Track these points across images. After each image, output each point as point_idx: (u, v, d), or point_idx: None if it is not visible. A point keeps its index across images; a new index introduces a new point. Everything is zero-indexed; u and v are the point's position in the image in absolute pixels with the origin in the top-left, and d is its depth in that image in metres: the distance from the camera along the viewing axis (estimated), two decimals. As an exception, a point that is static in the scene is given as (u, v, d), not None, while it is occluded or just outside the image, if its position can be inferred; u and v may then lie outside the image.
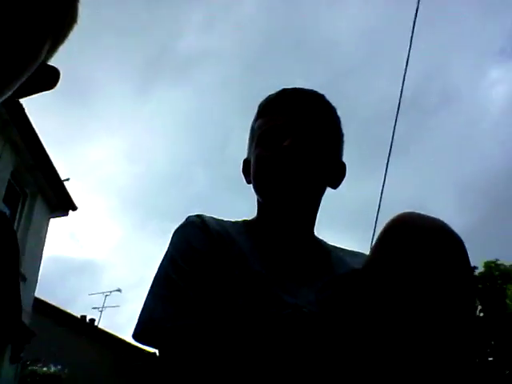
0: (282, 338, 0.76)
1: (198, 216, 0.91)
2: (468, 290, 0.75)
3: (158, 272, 0.85)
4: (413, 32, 4.99)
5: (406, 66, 5.12)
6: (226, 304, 0.79)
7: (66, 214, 11.06)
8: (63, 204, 10.66)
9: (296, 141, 0.87)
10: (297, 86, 0.97)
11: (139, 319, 0.80)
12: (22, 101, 8.23)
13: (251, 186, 0.95)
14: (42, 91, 0.71)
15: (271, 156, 0.88)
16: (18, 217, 9.44)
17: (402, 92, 5.19)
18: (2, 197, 8.35)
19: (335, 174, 0.96)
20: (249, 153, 0.99)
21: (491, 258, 13.06)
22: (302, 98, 0.93)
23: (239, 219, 0.98)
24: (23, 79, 0.63)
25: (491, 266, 12.99)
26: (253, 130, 0.98)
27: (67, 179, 10.41)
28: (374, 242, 0.82)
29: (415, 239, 0.74)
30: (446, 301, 0.72)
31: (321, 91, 0.98)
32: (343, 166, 0.99)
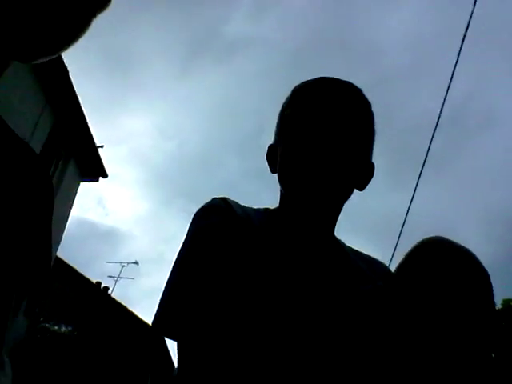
0: (292, 342, 0.76)
1: (222, 199, 0.89)
2: (489, 321, 0.76)
3: (177, 257, 0.84)
4: (461, 48, 4.86)
5: (450, 82, 4.99)
6: (240, 298, 0.78)
7: (97, 180, 11.28)
8: (95, 170, 10.86)
9: (331, 137, 0.84)
10: (334, 76, 0.93)
11: (156, 312, 0.80)
12: (67, 63, 8.39)
13: (275, 175, 0.91)
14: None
15: (303, 150, 0.85)
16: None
17: (442, 108, 5.08)
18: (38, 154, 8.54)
19: (364, 176, 0.92)
20: (277, 139, 0.95)
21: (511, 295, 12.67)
22: (341, 91, 0.89)
23: (261, 207, 0.96)
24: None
25: (510, 305, 12.60)
26: (284, 116, 0.93)
27: (101, 146, 10.59)
28: (401, 261, 0.82)
29: (443, 264, 0.75)
30: (466, 329, 0.73)
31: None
32: (372, 168, 0.95)
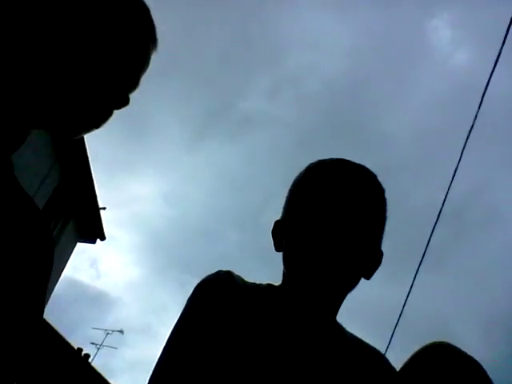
0: None
1: (227, 273, 0.86)
2: None
3: (171, 332, 0.81)
4: (465, 145, 5.00)
5: (453, 177, 5.09)
6: (227, 380, 0.75)
7: (94, 242, 11.20)
8: (94, 231, 10.82)
9: (341, 221, 0.81)
10: (349, 159, 0.92)
11: None
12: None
13: (271, 253, 0.89)
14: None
15: (311, 233, 0.82)
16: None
17: (444, 202, 5.13)
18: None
19: (372, 264, 0.89)
20: (284, 216, 0.92)
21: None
22: (355, 175, 0.88)
23: (264, 282, 0.92)
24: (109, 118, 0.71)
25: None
26: (295, 192, 0.91)
27: (104, 208, 10.63)
28: (406, 362, 0.81)
29: (449, 370, 0.74)
30: None
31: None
32: (380, 255, 0.91)
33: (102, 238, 11.08)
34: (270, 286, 0.91)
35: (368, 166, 0.91)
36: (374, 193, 0.88)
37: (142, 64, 0.75)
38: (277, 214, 0.96)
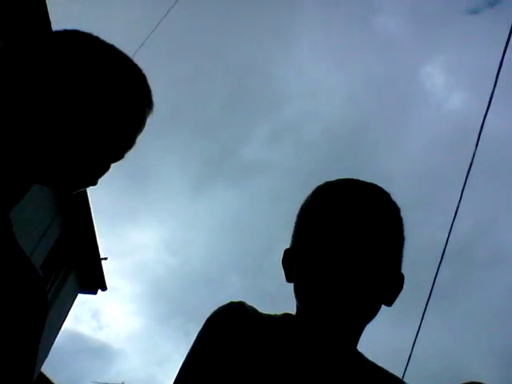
0: None
1: (239, 304, 0.83)
2: None
3: (182, 365, 0.78)
4: (465, 183, 5.02)
5: (455, 215, 5.09)
6: None
7: (95, 293, 11.04)
8: (95, 282, 10.69)
9: (355, 245, 0.75)
10: (359, 178, 0.86)
11: None
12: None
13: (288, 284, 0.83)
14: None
15: (323, 260, 0.76)
16: (48, 287, 9.51)
17: (447, 241, 5.10)
18: (41, 263, 8.50)
19: (392, 289, 0.82)
20: (294, 243, 0.86)
21: None
22: (366, 194, 0.82)
23: (279, 313, 0.87)
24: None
25: None
26: (303, 218, 0.85)
27: (105, 258, 10.55)
28: None
29: None
30: None
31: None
32: (401, 279, 0.84)
33: (104, 288, 10.94)
34: (286, 315, 0.85)
35: None
36: (388, 212, 0.82)
37: (138, 126, 0.79)
38: (280, 258, 0.94)
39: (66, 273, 9.97)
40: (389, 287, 0.81)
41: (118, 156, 0.78)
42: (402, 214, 0.85)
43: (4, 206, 0.70)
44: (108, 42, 0.77)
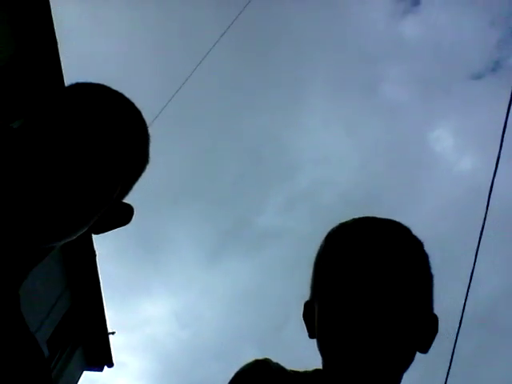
0: None
1: (264, 362, 0.78)
2: None
3: None
4: (478, 249, 4.94)
5: (470, 280, 4.96)
6: None
7: (101, 370, 10.67)
8: (101, 358, 10.37)
9: (377, 290, 0.69)
10: (375, 216, 0.80)
11: None
12: (96, 246, 8.70)
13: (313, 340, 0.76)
14: (117, 227, 0.78)
15: (346, 309, 0.69)
16: (53, 363, 9.22)
17: (463, 310, 4.93)
18: (47, 338, 8.31)
19: (426, 333, 0.74)
20: (312, 295, 0.80)
21: None
22: (383, 232, 0.75)
23: (309, 369, 0.81)
24: (97, 217, 0.69)
25: None
26: (319, 266, 0.79)
27: (113, 332, 10.30)
28: None
29: None
30: None
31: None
32: (435, 321, 0.76)
33: (110, 364, 10.58)
34: (316, 371, 0.79)
35: None
36: (409, 248, 0.75)
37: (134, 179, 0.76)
38: (297, 329, 0.89)
39: (72, 349, 9.70)
40: (421, 331, 0.73)
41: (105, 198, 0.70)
42: (426, 249, 0.79)
43: (14, 281, 0.68)
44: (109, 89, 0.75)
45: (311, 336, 0.79)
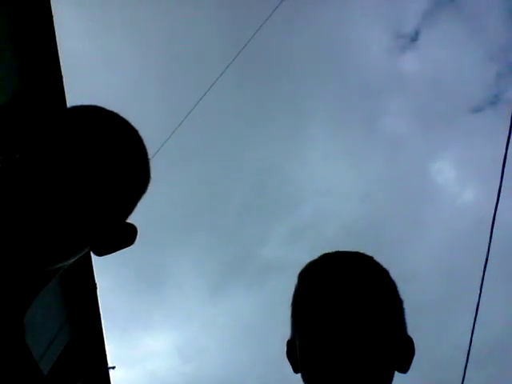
0: None
1: None
2: None
3: None
4: (482, 281, 4.88)
5: (476, 314, 4.87)
6: None
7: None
8: (101, 395, 10.14)
9: (348, 319, 0.74)
10: (340, 250, 0.86)
11: None
12: (97, 278, 8.63)
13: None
14: (120, 248, 0.76)
15: (321, 341, 0.74)
16: (52, 399, 9.02)
17: (471, 341, 4.83)
18: (47, 373, 8.14)
19: (402, 353, 0.79)
20: (293, 332, 0.85)
21: None
22: (348, 264, 0.82)
23: None
24: (93, 236, 0.68)
25: None
26: (294, 306, 0.85)
27: (113, 367, 10.10)
28: None
29: None
30: None
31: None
32: (410, 342, 0.82)
33: (110, 401, 10.33)
34: None
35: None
36: (376, 278, 0.81)
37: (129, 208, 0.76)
38: None
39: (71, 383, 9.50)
40: (397, 352, 0.78)
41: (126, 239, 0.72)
42: (392, 276, 0.85)
43: (18, 311, 0.68)
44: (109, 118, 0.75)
45: (295, 371, 0.84)
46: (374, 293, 0.78)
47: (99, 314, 8.93)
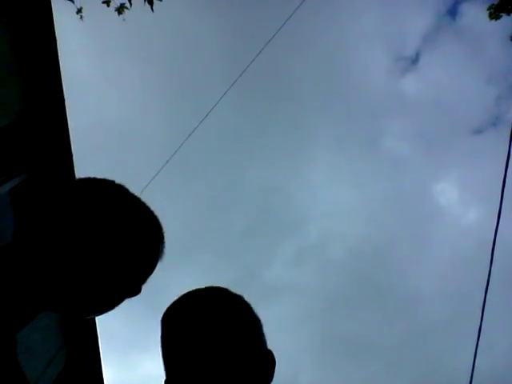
0: None
1: None
2: None
3: None
4: (483, 311, 4.82)
5: (478, 341, 4.80)
6: None
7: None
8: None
9: (206, 346, 0.84)
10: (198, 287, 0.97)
11: None
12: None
13: None
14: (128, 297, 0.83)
15: (186, 372, 0.85)
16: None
17: (473, 370, 4.76)
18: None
19: (263, 365, 0.91)
20: (167, 373, 0.94)
21: None
22: (204, 300, 0.92)
23: None
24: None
25: None
26: (164, 347, 0.94)
27: (110, 394, 9.91)
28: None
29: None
30: None
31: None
32: (270, 354, 0.94)
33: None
34: None
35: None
36: (226, 306, 0.91)
37: (149, 269, 0.84)
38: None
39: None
40: (259, 364, 0.90)
41: (133, 288, 0.81)
42: (245, 299, 0.97)
43: (11, 328, 0.70)
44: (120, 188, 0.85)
45: None
46: (228, 320, 0.89)
47: (97, 338, 8.82)
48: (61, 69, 5.98)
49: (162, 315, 0.97)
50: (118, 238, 0.76)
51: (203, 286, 0.96)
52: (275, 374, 0.93)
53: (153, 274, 0.85)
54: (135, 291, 0.82)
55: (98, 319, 8.70)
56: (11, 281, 0.68)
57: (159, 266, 0.87)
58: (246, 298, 0.97)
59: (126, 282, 0.78)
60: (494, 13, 8.05)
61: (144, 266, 0.81)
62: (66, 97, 6.12)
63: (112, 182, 0.84)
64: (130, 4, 5.52)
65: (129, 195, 0.84)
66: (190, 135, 6.22)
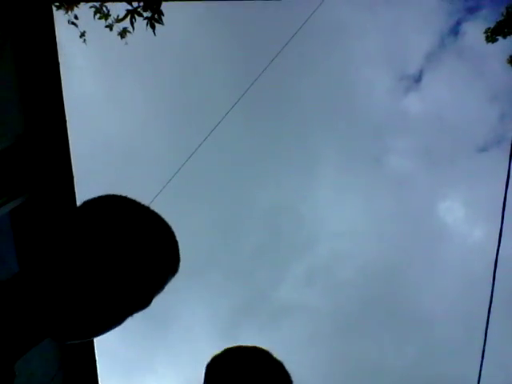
0: None
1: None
2: None
3: None
4: (484, 348, 4.79)
5: (482, 357, 4.74)
6: None
7: None
8: None
9: None
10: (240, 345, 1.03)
11: None
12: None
13: None
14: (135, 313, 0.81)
15: None
16: None
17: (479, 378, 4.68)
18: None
19: None
20: None
21: None
22: (248, 360, 0.98)
23: None
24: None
25: None
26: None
27: (108, 419, 9.72)
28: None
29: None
30: None
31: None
32: None
33: None
34: None
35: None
36: (269, 370, 0.97)
37: (157, 286, 0.82)
38: None
39: None
40: None
41: (141, 300, 0.79)
42: (285, 367, 1.03)
43: (10, 358, 0.70)
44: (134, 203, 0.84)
45: None
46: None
47: (95, 360, 8.70)
48: (63, 89, 6.03)
49: (206, 364, 1.03)
50: (130, 253, 0.76)
51: (248, 345, 1.02)
52: None
53: (165, 289, 0.84)
54: (145, 302, 0.81)
55: (98, 340, 8.59)
56: (17, 310, 0.69)
57: (172, 281, 0.85)
58: (287, 367, 1.03)
59: (137, 292, 0.77)
60: (491, 36, 8.18)
61: (157, 276, 0.80)
62: (68, 118, 6.16)
63: (123, 197, 0.84)
64: (133, 28, 5.61)
65: (140, 206, 0.84)
66: (195, 150, 6.25)
